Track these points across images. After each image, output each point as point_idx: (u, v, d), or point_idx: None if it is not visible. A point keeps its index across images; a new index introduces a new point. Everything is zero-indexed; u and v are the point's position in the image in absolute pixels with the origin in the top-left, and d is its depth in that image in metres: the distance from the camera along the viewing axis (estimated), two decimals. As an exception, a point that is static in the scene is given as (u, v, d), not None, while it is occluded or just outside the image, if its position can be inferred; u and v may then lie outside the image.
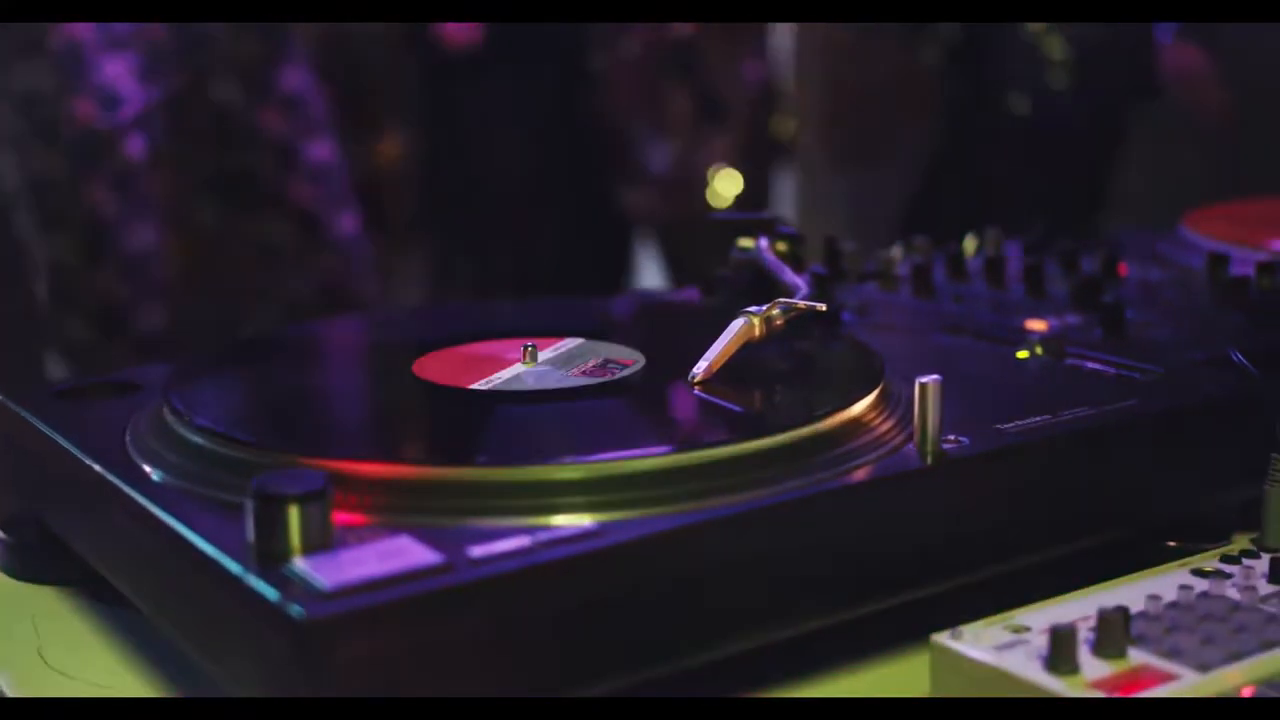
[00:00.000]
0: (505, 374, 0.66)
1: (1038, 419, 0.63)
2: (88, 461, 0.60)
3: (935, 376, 0.59)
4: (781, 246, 0.84)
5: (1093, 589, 0.58)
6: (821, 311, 0.66)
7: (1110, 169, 2.33)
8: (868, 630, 0.59)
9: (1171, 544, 0.67)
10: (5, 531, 0.70)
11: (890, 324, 0.83)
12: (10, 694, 0.59)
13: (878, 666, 0.59)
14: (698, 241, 0.85)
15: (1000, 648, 0.52)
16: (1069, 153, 2.37)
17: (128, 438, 0.62)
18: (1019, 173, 2.41)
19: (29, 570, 0.69)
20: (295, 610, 0.45)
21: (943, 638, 0.53)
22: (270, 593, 0.46)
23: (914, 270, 0.93)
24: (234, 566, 0.48)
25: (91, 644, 0.62)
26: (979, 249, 1.03)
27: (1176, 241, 1.14)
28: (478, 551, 0.48)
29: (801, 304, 0.67)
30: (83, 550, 0.63)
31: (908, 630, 0.60)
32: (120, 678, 0.59)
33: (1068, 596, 0.57)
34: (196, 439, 0.58)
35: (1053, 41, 2.28)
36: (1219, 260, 0.96)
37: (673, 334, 0.77)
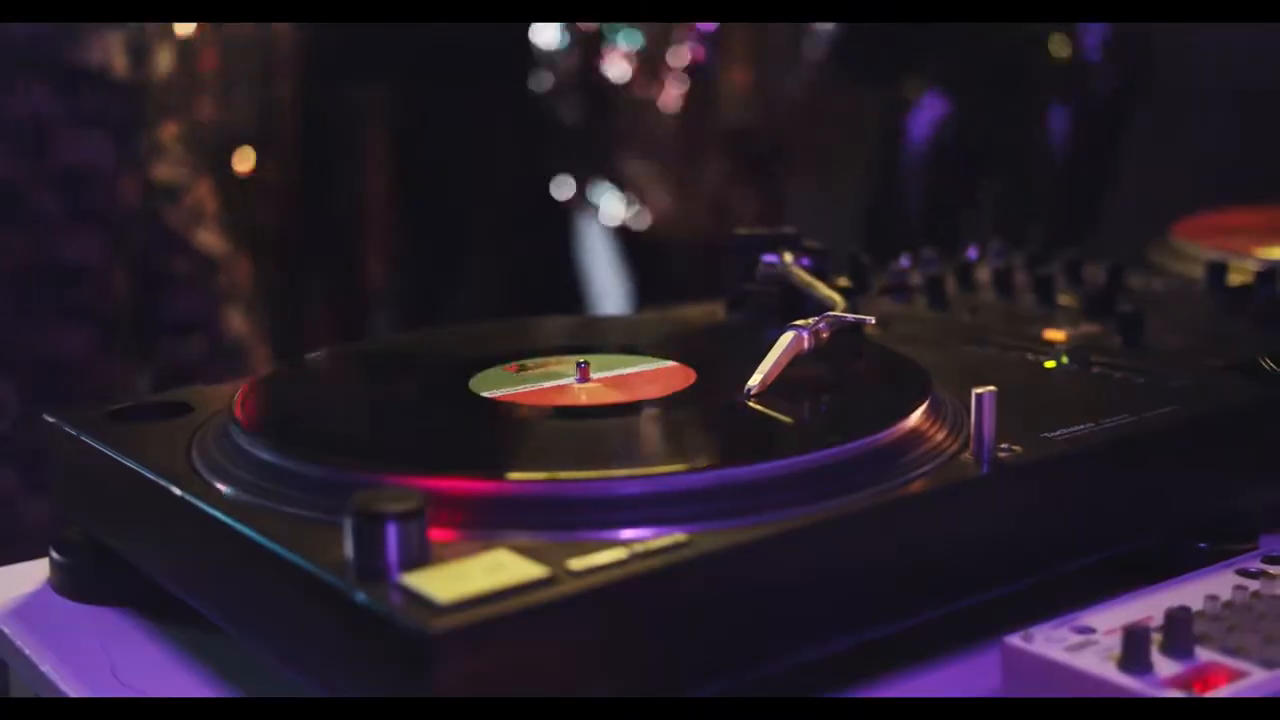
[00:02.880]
0: (563, 389, 0.68)
1: (1083, 427, 0.65)
2: (162, 482, 0.61)
3: (990, 388, 0.61)
4: (806, 261, 0.86)
5: (1146, 591, 0.60)
6: (871, 325, 0.68)
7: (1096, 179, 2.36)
8: (921, 635, 0.61)
9: (1201, 546, 0.69)
10: (60, 553, 0.70)
11: (913, 336, 0.85)
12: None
13: (937, 670, 0.61)
14: (722, 257, 0.87)
15: (1071, 649, 0.54)
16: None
17: (195, 456, 0.63)
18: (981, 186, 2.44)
19: (87, 591, 0.69)
20: (416, 625, 0.46)
21: (1015, 639, 0.55)
22: (387, 608, 0.47)
23: (928, 282, 0.95)
24: (341, 583, 0.49)
25: (163, 664, 0.63)
26: (983, 259, 1.05)
27: (1167, 250, 1.17)
28: (577, 564, 0.50)
29: (850, 317, 0.69)
30: (152, 570, 0.64)
31: (957, 633, 0.62)
32: (197, 696, 0.60)
33: (1124, 598, 0.59)
34: (276, 458, 0.59)
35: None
36: (1219, 269, 0.99)
37: (715, 350, 0.79)
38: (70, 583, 0.70)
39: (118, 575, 0.67)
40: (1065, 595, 0.64)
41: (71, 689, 0.60)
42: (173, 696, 0.60)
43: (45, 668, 0.62)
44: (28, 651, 0.64)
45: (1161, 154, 1.84)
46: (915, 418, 0.62)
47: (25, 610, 0.68)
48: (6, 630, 0.66)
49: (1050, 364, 0.77)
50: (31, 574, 0.72)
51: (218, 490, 0.59)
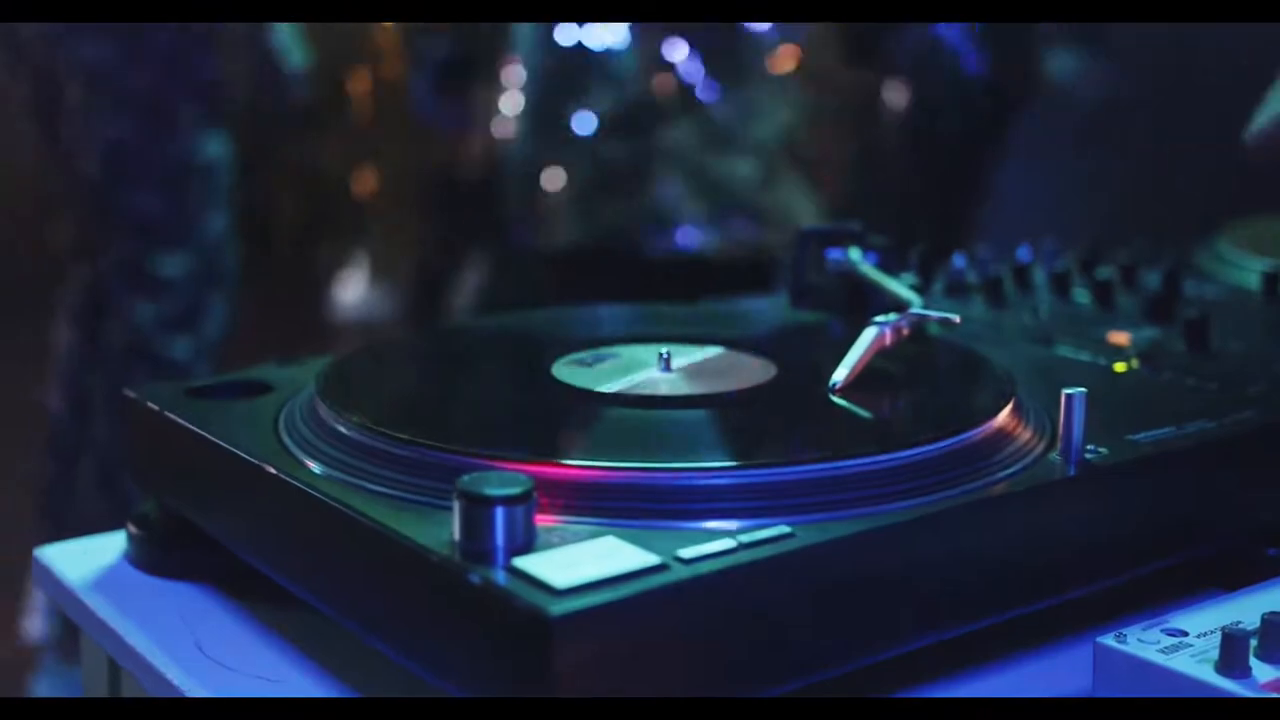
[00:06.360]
0: (641, 378, 0.68)
1: (1165, 430, 0.65)
2: (254, 461, 0.61)
3: (1081, 389, 0.61)
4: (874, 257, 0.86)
5: (1231, 596, 0.60)
6: (955, 323, 0.69)
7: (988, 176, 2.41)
8: (1006, 633, 0.61)
9: (1271, 552, 0.70)
10: (139, 527, 0.70)
11: (976, 336, 0.85)
12: (175, 681, 0.60)
13: (1023, 668, 0.61)
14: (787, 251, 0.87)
15: (1165, 650, 0.54)
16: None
17: (283, 434, 0.63)
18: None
19: (166, 566, 0.69)
20: (536, 607, 0.46)
21: (1108, 640, 0.55)
22: (506, 590, 0.47)
23: (985, 282, 0.95)
24: (453, 563, 0.50)
25: (244, 638, 0.63)
26: (1037, 260, 1.06)
27: (1214, 256, 1.17)
28: (689, 552, 0.50)
29: (934, 315, 0.69)
30: (237, 546, 0.64)
31: (1039, 632, 0.63)
32: (283, 671, 0.60)
33: (1211, 602, 0.59)
34: (375, 440, 0.59)
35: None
36: (1275, 278, 0.99)
37: (789, 342, 0.79)
38: (149, 557, 0.70)
39: (197, 550, 0.68)
40: (1141, 598, 0.65)
41: (159, 663, 0.61)
42: (256, 670, 0.60)
43: (131, 641, 0.63)
44: (113, 624, 0.64)
45: (1203, 158, 1.84)
46: (1003, 416, 0.63)
47: (104, 584, 0.69)
48: (89, 604, 0.66)
49: (1120, 367, 0.78)
50: (104, 548, 0.72)
51: (309, 469, 0.60)
